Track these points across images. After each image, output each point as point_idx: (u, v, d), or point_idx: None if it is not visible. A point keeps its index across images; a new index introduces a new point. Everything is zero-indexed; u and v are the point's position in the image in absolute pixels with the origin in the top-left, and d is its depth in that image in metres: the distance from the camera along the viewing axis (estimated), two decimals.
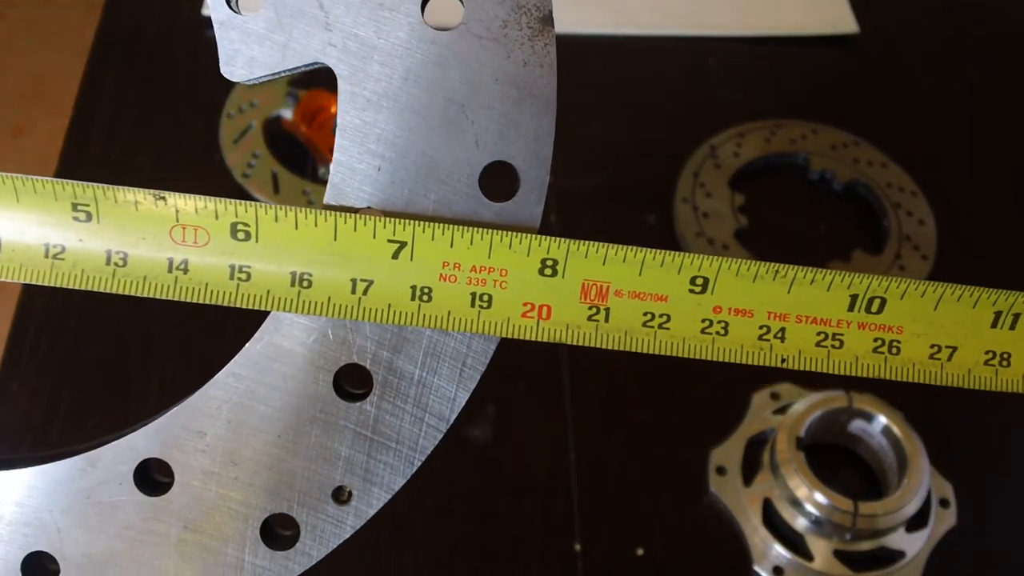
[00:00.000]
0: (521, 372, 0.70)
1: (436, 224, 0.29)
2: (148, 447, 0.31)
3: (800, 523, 0.61)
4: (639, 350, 0.30)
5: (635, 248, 0.29)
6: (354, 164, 0.29)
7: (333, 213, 0.29)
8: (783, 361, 0.30)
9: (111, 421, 0.65)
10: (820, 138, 0.84)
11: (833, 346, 0.30)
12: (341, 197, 0.30)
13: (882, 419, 0.63)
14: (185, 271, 0.29)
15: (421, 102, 0.29)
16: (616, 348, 0.30)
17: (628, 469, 0.66)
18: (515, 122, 0.29)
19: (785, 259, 0.82)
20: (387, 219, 0.29)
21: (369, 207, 0.29)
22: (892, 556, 0.61)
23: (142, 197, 0.28)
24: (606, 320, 0.30)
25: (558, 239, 0.29)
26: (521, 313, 0.29)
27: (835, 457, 0.66)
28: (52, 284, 0.29)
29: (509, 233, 0.29)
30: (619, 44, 0.93)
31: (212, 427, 0.31)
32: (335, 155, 0.29)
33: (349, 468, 0.32)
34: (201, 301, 0.29)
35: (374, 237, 0.29)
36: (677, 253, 0.29)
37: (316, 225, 0.29)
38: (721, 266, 0.29)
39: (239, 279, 0.29)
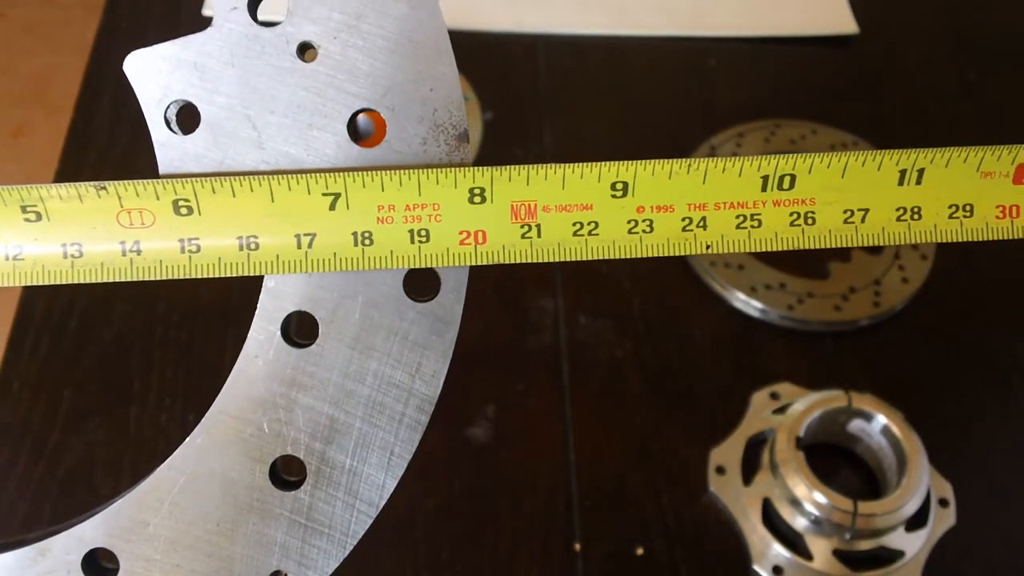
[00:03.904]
0: (521, 372, 0.70)
1: (365, 172, 0.30)
2: (95, 537, 0.33)
3: (799, 523, 0.61)
4: (573, 258, 0.32)
5: (554, 165, 0.31)
6: None
7: (266, 177, 0.30)
8: (708, 247, 0.32)
9: (111, 422, 0.65)
10: (820, 138, 0.84)
11: (752, 226, 0.32)
12: (275, 299, 0.32)
13: (881, 419, 0.63)
14: (138, 252, 0.31)
15: None
16: (551, 260, 0.32)
17: (628, 469, 0.66)
18: None
19: (786, 259, 0.82)
20: (318, 175, 0.30)
21: None
22: (891, 556, 0.61)
23: (84, 190, 0.30)
24: (538, 236, 0.31)
25: (480, 168, 0.31)
26: (459, 242, 0.31)
27: (834, 457, 0.66)
28: (18, 284, 0.30)
29: (434, 170, 0.31)
30: (619, 44, 0.93)
31: (154, 517, 0.33)
32: None
33: (285, 553, 0.33)
34: (158, 278, 0.31)
35: (309, 193, 0.30)
36: (594, 164, 0.31)
37: (252, 190, 0.30)
38: (637, 169, 0.31)
39: (190, 252, 0.31)
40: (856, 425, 0.65)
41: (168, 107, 0.31)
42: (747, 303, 0.73)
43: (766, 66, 0.92)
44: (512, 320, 0.73)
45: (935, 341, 0.74)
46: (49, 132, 1.75)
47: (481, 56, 0.89)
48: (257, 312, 0.32)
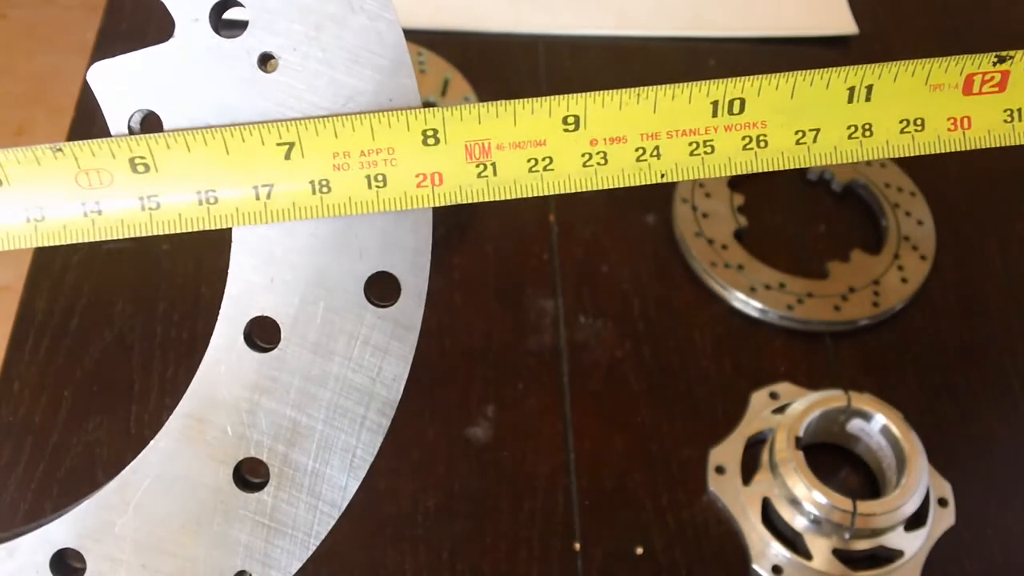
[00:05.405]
0: (521, 372, 0.70)
1: (317, 119, 0.31)
2: (63, 538, 0.34)
3: (799, 522, 0.61)
4: (530, 195, 0.32)
5: (504, 101, 0.31)
6: (249, 276, 0.32)
7: (219, 129, 0.31)
8: (662, 176, 0.32)
9: (112, 421, 0.65)
10: None
11: (706, 152, 0.32)
12: (238, 305, 0.32)
13: (881, 418, 0.64)
14: (99, 212, 0.31)
15: (311, 224, 0.32)
16: (509, 198, 0.32)
17: (627, 469, 0.66)
18: (396, 236, 0.32)
19: (785, 259, 0.82)
20: (271, 124, 0.31)
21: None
22: (890, 555, 0.61)
23: (40, 152, 0.30)
24: (494, 174, 0.31)
25: (431, 109, 0.31)
26: (416, 184, 0.31)
27: (834, 456, 0.66)
28: None
29: (386, 113, 0.31)
30: (619, 45, 0.93)
31: (120, 518, 0.34)
32: (231, 266, 0.32)
33: (249, 554, 0.34)
34: (120, 236, 0.31)
35: (263, 144, 0.31)
36: (544, 98, 0.31)
37: (206, 144, 0.31)
38: (587, 101, 0.31)
39: (150, 209, 0.31)
40: (855, 425, 0.65)
41: (131, 116, 0.31)
42: (746, 303, 0.73)
43: (766, 66, 0.92)
44: (512, 320, 0.73)
45: (934, 341, 0.74)
46: (51, 132, 1.75)
47: (481, 56, 0.89)
48: (220, 317, 0.33)
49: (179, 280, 0.72)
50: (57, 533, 0.34)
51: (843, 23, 0.95)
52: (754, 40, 0.94)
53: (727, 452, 0.66)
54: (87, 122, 0.82)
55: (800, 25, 0.95)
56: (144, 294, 0.72)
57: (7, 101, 1.87)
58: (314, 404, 0.33)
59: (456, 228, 0.78)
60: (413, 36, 0.88)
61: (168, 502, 0.34)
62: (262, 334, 0.33)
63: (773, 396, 0.68)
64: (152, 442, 0.33)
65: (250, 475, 0.34)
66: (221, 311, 0.33)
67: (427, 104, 0.82)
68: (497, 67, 0.90)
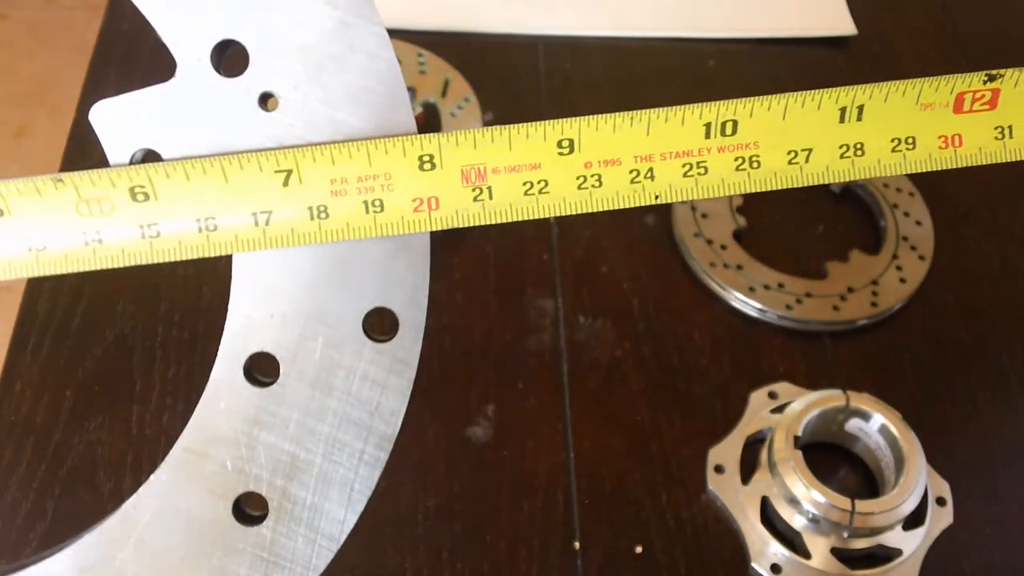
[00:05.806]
0: (521, 372, 0.70)
1: (314, 147, 0.31)
2: (64, 571, 0.34)
3: (798, 521, 0.62)
4: (526, 218, 0.32)
5: (499, 127, 0.31)
6: (249, 311, 0.33)
7: (218, 158, 0.31)
8: (656, 197, 0.32)
9: (113, 422, 0.66)
10: None
11: (699, 174, 0.32)
12: (238, 340, 0.33)
13: (879, 418, 0.64)
14: (100, 241, 0.31)
15: (310, 260, 0.32)
16: (505, 221, 0.32)
17: (627, 468, 0.66)
18: (393, 273, 0.33)
19: (784, 259, 0.82)
20: (268, 152, 0.31)
21: None
22: (889, 554, 0.61)
23: (42, 184, 0.30)
24: (490, 198, 0.32)
25: (427, 135, 0.31)
26: (412, 209, 0.32)
27: (832, 456, 0.66)
28: None
29: (383, 140, 0.31)
30: (618, 46, 0.93)
31: (121, 552, 0.34)
32: (231, 301, 0.32)
33: None
34: (121, 265, 0.31)
35: (261, 171, 0.31)
36: (539, 123, 0.32)
37: (205, 172, 0.31)
38: (581, 125, 0.31)
39: (150, 238, 0.31)
40: (854, 424, 0.65)
41: (133, 155, 0.31)
42: (745, 303, 0.74)
43: (765, 67, 0.93)
44: (512, 320, 0.73)
45: (933, 341, 0.74)
46: (51, 133, 1.75)
47: (481, 57, 0.89)
48: (220, 352, 0.33)
49: (180, 280, 0.73)
50: (58, 566, 0.34)
51: (842, 24, 0.95)
52: (753, 41, 0.94)
53: (726, 451, 0.66)
54: (88, 123, 0.82)
55: (799, 26, 0.95)
56: (145, 294, 0.72)
57: (8, 102, 1.87)
58: (313, 439, 0.34)
59: (456, 229, 0.78)
60: (413, 36, 0.89)
61: (168, 536, 0.34)
62: (262, 369, 0.33)
63: (772, 396, 0.68)
64: (152, 476, 0.34)
65: (249, 509, 0.34)
66: (221, 346, 0.33)
67: (427, 104, 0.82)
68: (497, 67, 0.90)
